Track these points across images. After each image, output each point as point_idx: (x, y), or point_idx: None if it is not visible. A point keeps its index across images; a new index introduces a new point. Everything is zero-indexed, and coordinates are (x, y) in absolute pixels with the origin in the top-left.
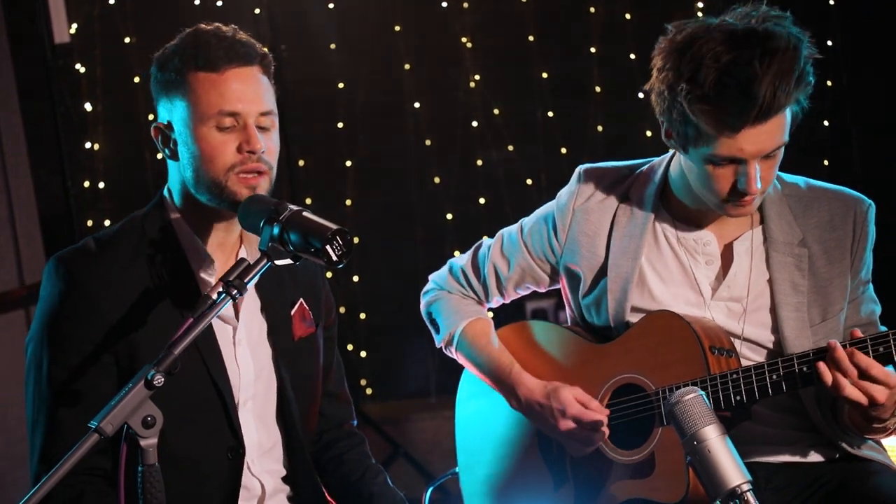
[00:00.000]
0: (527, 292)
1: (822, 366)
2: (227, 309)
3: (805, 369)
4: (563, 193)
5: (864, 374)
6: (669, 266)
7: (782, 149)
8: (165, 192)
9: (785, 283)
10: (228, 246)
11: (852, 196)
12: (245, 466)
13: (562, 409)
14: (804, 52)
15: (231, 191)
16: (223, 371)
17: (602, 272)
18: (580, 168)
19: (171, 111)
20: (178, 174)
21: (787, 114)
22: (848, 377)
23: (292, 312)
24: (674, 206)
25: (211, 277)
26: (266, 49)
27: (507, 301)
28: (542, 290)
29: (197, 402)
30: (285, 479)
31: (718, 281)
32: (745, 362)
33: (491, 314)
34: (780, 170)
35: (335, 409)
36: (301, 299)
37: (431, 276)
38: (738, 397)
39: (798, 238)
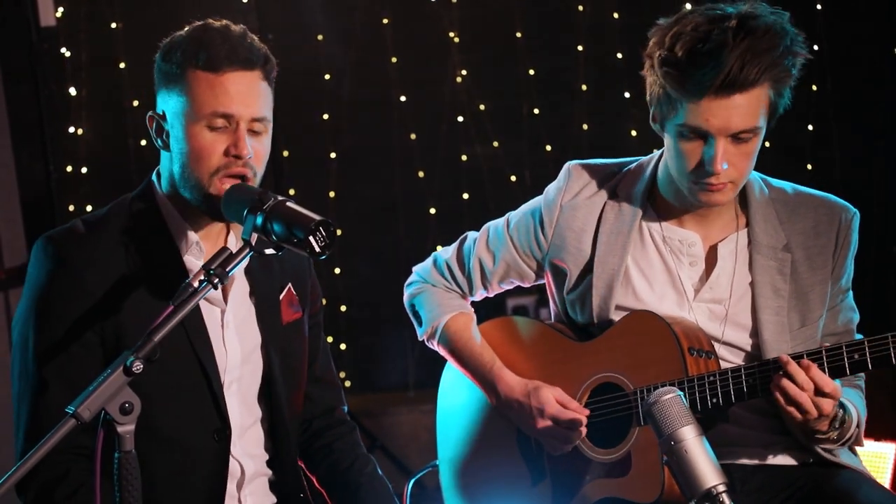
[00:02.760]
0: (511, 286)
1: (792, 377)
2: (216, 292)
3: (782, 374)
4: (551, 189)
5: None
6: (654, 265)
7: (757, 139)
8: (154, 177)
9: (766, 287)
10: (214, 233)
11: (838, 203)
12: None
13: (541, 409)
14: (787, 42)
15: (213, 195)
16: (210, 353)
17: (588, 269)
18: (569, 164)
19: (167, 103)
20: (168, 165)
21: (763, 98)
22: (805, 391)
23: (281, 297)
24: (661, 205)
25: (199, 262)
26: (269, 54)
27: (491, 295)
28: (527, 286)
29: (183, 384)
30: (268, 464)
31: (702, 282)
32: (723, 365)
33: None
34: (763, 173)
35: (323, 394)
36: (290, 284)
37: (415, 269)
38: (714, 400)
39: (782, 243)
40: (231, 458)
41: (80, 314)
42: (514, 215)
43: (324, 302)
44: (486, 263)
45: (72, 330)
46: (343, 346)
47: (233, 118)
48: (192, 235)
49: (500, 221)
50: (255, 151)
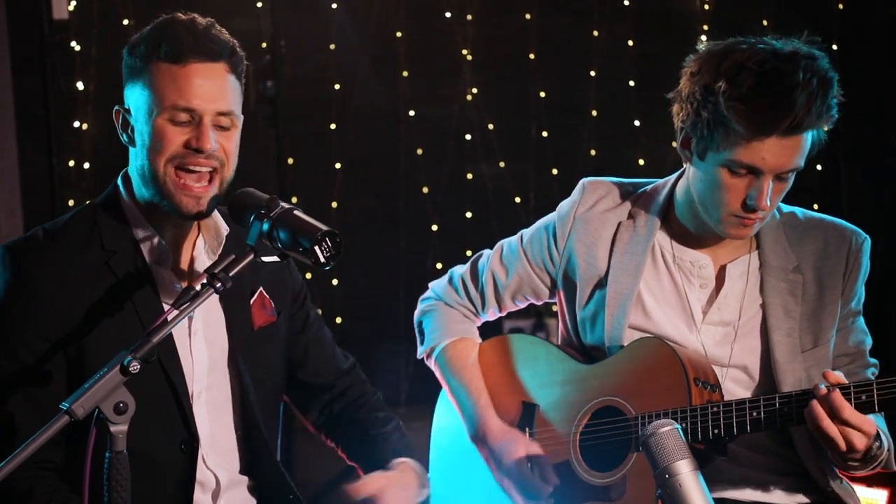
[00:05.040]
0: (524, 304)
1: (815, 405)
2: None
3: (786, 409)
4: (565, 203)
5: (842, 419)
6: (664, 286)
7: (793, 176)
8: (120, 182)
9: (778, 308)
10: (186, 236)
11: (848, 228)
12: (200, 459)
13: (511, 469)
14: (836, 85)
15: (169, 190)
16: (177, 362)
17: (599, 285)
18: (584, 180)
19: (132, 97)
20: (135, 160)
21: (810, 139)
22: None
23: (251, 302)
24: (675, 227)
25: (166, 268)
26: (237, 47)
27: (503, 313)
28: (539, 303)
29: (149, 393)
30: (246, 470)
31: (710, 304)
32: (730, 395)
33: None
34: None
35: (353, 382)
36: (261, 288)
37: (431, 284)
38: (716, 430)
39: (793, 264)
40: (206, 470)
41: (39, 328)
42: (528, 230)
43: (319, 311)
44: (499, 278)
45: (32, 344)
46: None
47: (195, 112)
48: (159, 242)
49: (515, 237)
50: (221, 146)
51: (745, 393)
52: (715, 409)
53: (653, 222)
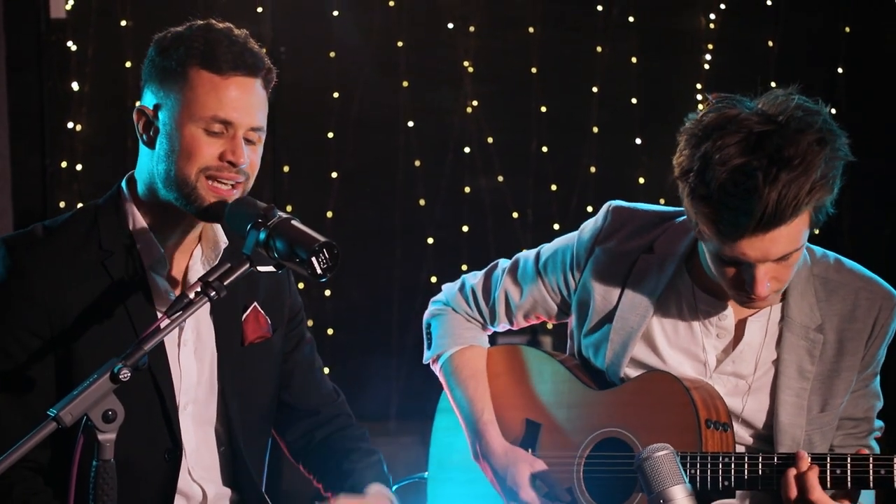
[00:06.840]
0: (536, 321)
1: (789, 475)
2: None
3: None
4: (587, 229)
5: (808, 501)
6: (679, 331)
7: (800, 252)
8: (124, 184)
9: (791, 367)
10: (185, 245)
11: (882, 288)
12: (185, 471)
13: (515, 491)
14: (826, 158)
15: (199, 195)
16: (166, 372)
17: (608, 318)
18: (610, 204)
19: (161, 99)
20: (150, 164)
21: (804, 221)
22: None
23: (244, 317)
24: (698, 272)
25: (162, 276)
26: (271, 64)
27: (515, 328)
28: (552, 323)
29: (136, 401)
30: (231, 486)
31: (726, 353)
32: (737, 440)
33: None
34: None
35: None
36: (255, 304)
37: (444, 287)
38: (726, 482)
39: (816, 323)
40: (191, 482)
41: (30, 324)
42: (545, 250)
43: (310, 323)
44: (512, 296)
45: (22, 340)
46: (326, 370)
47: (231, 125)
48: (157, 248)
49: (531, 255)
50: (250, 160)
51: (748, 439)
52: (727, 459)
53: (675, 262)
